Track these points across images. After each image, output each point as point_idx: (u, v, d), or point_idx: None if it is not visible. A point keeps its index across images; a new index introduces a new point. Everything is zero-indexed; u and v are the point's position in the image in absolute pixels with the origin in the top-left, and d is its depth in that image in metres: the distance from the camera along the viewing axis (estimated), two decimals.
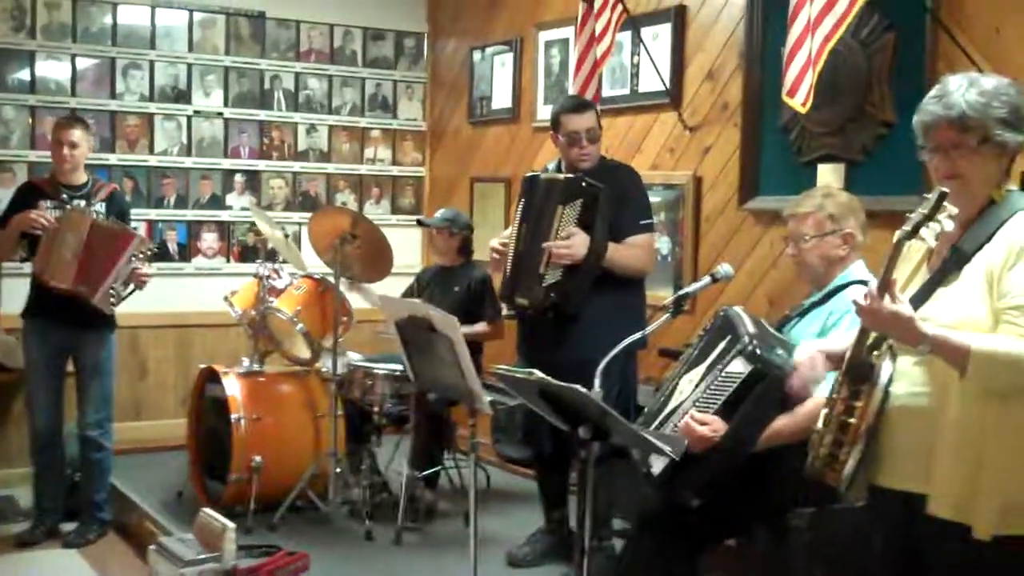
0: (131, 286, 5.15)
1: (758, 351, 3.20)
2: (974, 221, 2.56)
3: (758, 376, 3.19)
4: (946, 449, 2.48)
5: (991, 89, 2.53)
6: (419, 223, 6.12)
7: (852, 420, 2.54)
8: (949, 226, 2.41)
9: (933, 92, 2.59)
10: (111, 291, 5.07)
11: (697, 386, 3.36)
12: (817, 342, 2.97)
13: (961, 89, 2.53)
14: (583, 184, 4.36)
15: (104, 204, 5.26)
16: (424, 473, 5.22)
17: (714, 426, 3.23)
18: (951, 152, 2.54)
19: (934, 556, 2.56)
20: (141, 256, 5.14)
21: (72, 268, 5.01)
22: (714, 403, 3.28)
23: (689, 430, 3.24)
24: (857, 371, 2.57)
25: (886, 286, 2.43)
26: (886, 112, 4.41)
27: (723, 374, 3.28)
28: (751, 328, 3.29)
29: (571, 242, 4.31)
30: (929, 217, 2.41)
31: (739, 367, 3.24)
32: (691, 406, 3.32)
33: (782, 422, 3.26)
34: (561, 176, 4.47)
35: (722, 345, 3.34)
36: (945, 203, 2.41)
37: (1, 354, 5.75)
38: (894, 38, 4.39)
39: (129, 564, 5.09)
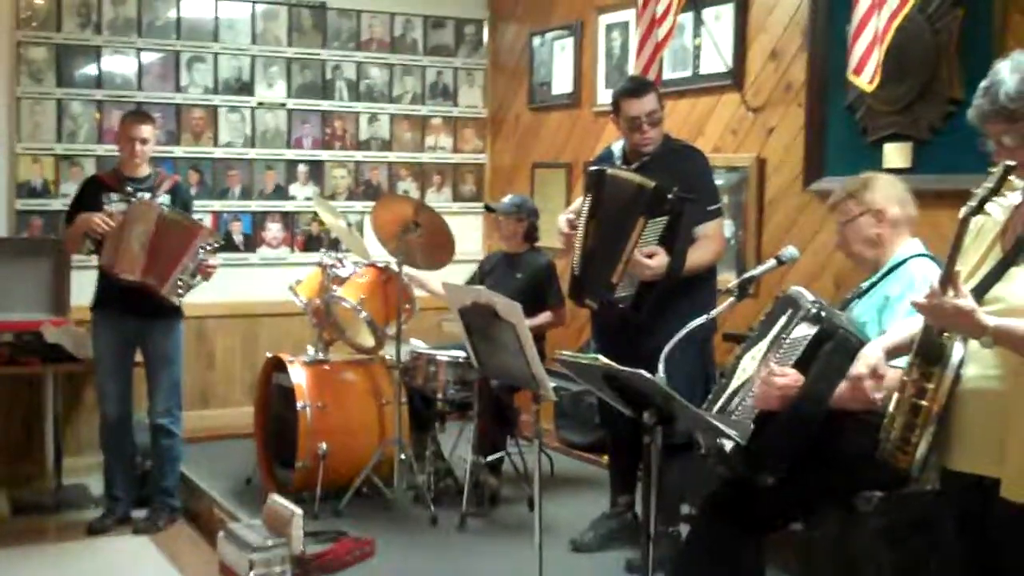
0: (198, 277, 5.21)
1: (823, 313, 3.24)
2: None
3: (825, 336, 3.21)
4: (1019, 432, 2.43)
5: None
6: (487, 208, 6.10)
7: (924, 402, 2.51)
8: (1017, 199, 2.36)
9: (983, 82, 2.53)
10: (179, 282, 5.13)
11: (762, 361, 3.35)
12: (881, 340, 2.91)
13: (1004, 78, 2.46)
14: (669, 196, 4.19)
15: (168, 196, 5.32)
16: (488, 459, 5.22)
17: (793, 378, 3.22)
18: (1005, 142, 2.48)
19: (1007, 540, 2.51)
20: (208, 248, 5.20)
21: (141, 260, 5.08)
22: (785, 366, 3.27)
23: (768, 383, 3.23)
24: (928, 353, 2.53)
25: (949, 280, 2.39)
26: (954, 89, 4.32)
27: (789, 340, 3.28)
28: (812, 297, 3.32)
29: (652, 263, 4.20)
30: (995, 191, 2.37)
31: (804, 330, 3.26)
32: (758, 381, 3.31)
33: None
34: (650, 184, 4.23)
35: (783, 319, 3.36)
36: (1012, 177, 2.35)
37: (72, 345, 5.84)
38: (962, 13, 4.30)
39: (199, 550, 5.16)
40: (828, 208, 3.66)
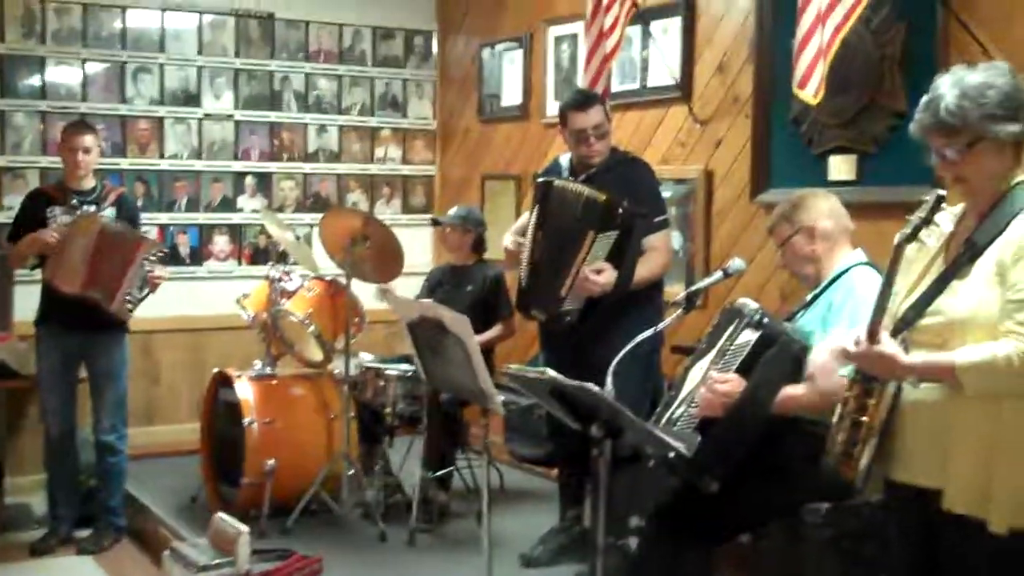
0: (146, 290, 5.14)
1: (765, 319, 3.32)
2: (988, 213, 2.53)
3: (767, 341, 3.29)
4: (960, 443, 2.45)
5: (975, 85, 2.48)
6: (433, 221, 6.09)
7: (864, 417, 2.55)
8: (948, 227, 2.41)
9: (925, 97, 2.56)
10: (127, 297, 5.06)
11: (707, 369, 3.40)
12: (826, 343, 2.95)
13: (944, 92, 2.49)
14: (620, 211, 4.20)
15: (114, 209, 5.25)
16: (437, 474, 5.19)
17: (734, 383, 3.27)
18: (947, 156, 2.51)
19: (950, 551, 2.53)
20: (153, 259, 5.13)
21: (81, 273, 5.00)
22: (728, 371, 3.34)
23: (710, 389, 3.28)
24: None
25: (872, 334, 2.46)
26: (898, 102, 4.36)
27: (733, 346, 3.35)
28: (755, 305, 3.40)
29: (600, 279, 4.20)
30: (927, 220, 2.42)
31: (748, 336, 3.34)
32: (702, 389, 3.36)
33: (799, 389, 3.27)
34: (601, 197, 4.23)
35: (730, 329, 3.43)
36: (942, 205, 2.40)
37: (15, 361, 5.74)
38: (905, 27, 4.34)
39: (144, 570, 5.08)
40: (767, 232, 3.74)
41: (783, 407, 3.27)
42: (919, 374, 2.46)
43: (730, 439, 3.27)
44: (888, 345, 2.46)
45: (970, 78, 2.51)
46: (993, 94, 2.47)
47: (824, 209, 3.54)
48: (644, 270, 4.35)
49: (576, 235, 4.27)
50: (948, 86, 2.51)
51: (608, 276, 4.21)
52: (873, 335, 2.46)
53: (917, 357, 2.46)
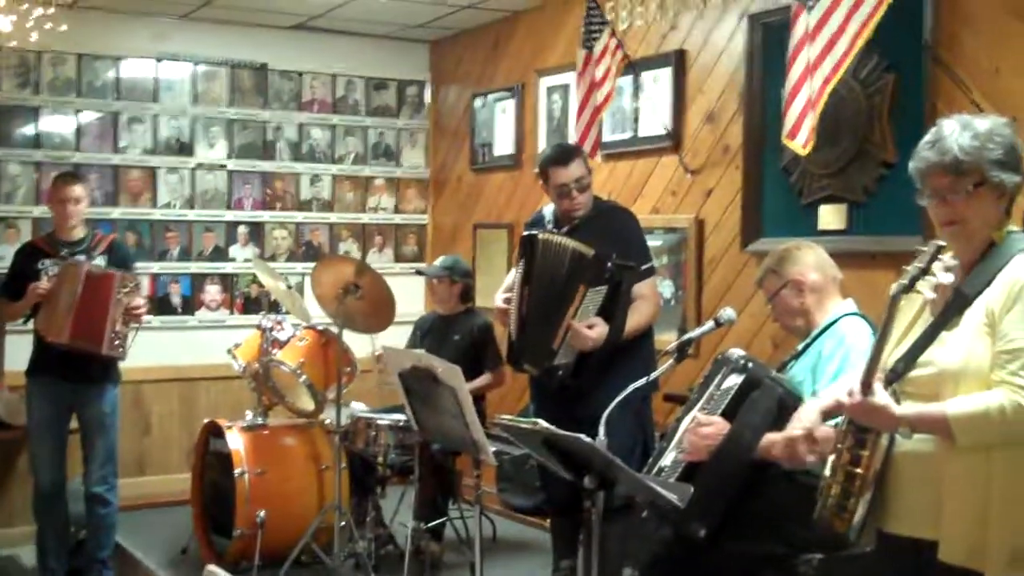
0: (130, 324, 5.08)
1: (750, 364, 3.35)
2: (976, 263, 2.55)
3: (752, 383, 3.30)
4: (954, 495, 2.45)
5: (985, 131, 2.52)
6: (418, 272, 6.09)
7: (859, 470, 2.54)
8: (947, 279, 2.41)
9: (927, 137, 2.58)
10: (114, 336, 5.02)
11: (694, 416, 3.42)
12: (818, 401, 2.93)
13: (954, 133, 2.52)
14: (609, 265, 4.21)
15: (105, 257, 5.24)
16: (429, 524, 5.17)
17: (718, 426, 3.28)
18: (948, 197, 2.53)
19: None
20: (126, 290, 5.06)
21: (68, 323, 4.97)
22: (713, 414, 3.35)
23: (693, 433, 3.29)
24: None
25: (866, 385, 2.47)
26: (887, 152, 4.39)
27: (719, 391, 3.37)
28: (741, 352, 3.43)
29: (592, 334, 4.20)
30: (925, 271, 2.42)
31: (733, 380, 3.36)
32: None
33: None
34: (591, 253, 4.23)
35: (717, 378, 3.45)
36: (940, 256, 2.41)
37: (5, 412, 5.72)
38: (894, 78, 4.38)
39: None
40: (756, 285, 3.76)
41: (771, 456, 3.25)
42: (911, 425, 2.46)
43: (714, 482, 3.26)
44: (881, 396, 2.47)
45: (979, 123, 2.54)
46: (1000, 141, 2.51)
47: (811, 262, 3.56)
48: (634, 320, 4.35)
49: (565, 289, 4.27)
50: (959, 128, 2.53)
51: (600, 330, 4.21)
52: (867, 386, 2.46)
53: (909, 408, 2.47)
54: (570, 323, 4.22)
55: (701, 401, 3.44)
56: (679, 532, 3.39)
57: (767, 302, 3.67)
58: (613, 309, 4.24)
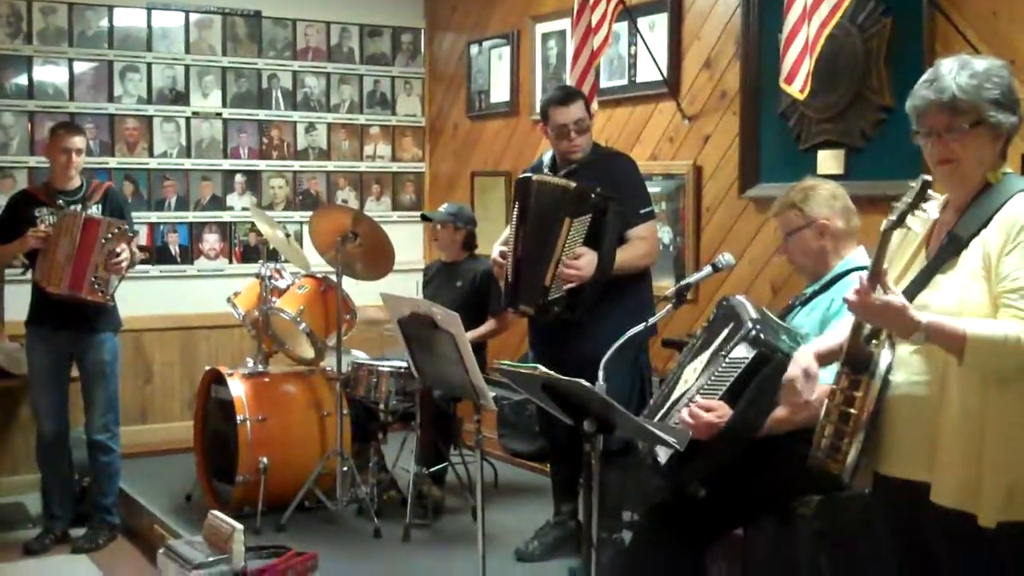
0: (112, 272, 5.08)
1: (762, 335, 3.20)
2: (969, 206, 2.55)
3: (762, 360, 3.18)
4: (947, 437, 2.47)
5: (983, 71, 2.52)
6: (423, 217, 6.09)
7: (852, 410, 2.53)
8: (935, 213, 2.41)
9: (925, 76, 2.58)
10: (94, 280, 5.02)
11: (701, 374, 3.35)
12: (813, 345, 2.91)
13: (952, 72, 2.52)
14: (592, 196, 4.25)
15: (100, 205, 5.25)
16: (431, 469, 5.22)
17: (719, 412, 3.22)
18: (944, 136, 2.53)
19: (939, 544, 2.55)
20: (111, 237, 5.06)
21: (67, 272, 4.99)
22: (719, 389, 3.27)
23: (694, 416, 3.23)
24: (856, 361, 2.56)
25: (876, 277, 2.43)
26: (884, 97, 4.39)
27: (727, 360, 3.27)
28: (754, 314, 3.28)
29: (580, 263, 4.24)
30: (914, 206, 2.42)
31: (743, 352, 3.23)
32: (696, 394, 3.31)
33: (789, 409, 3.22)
34: (572, 185, 4.30)
35: (725, 332, 3.33)
36: (929, 191, 2.41)
37: (6, 361, 5.75)
38: (891, 22, 4.37)
39: (139, 568, 5.10)
40: (772, 216, 3.63)
41: (776, 427, 3.23)
42: (929, 333, 2.40)
43: (716, 459, 3.24)
44: (897, 296, 2.42)
45: (977, 63, 2.54)
46: (998, 82, 2.51)
47: (838, 207, 3.45)
48: (627, 255, 4.38)
49: (553, 225, 4.31)
50: (957, 67, 2.52)
51: (588, 258, 4.25)
52: (876, 279, 2.42)
53: (926, 316, 2.40)
54: (559, 257, 4.26)
55: (707, 355, 3.35)
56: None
57: (784, 237, 3.52)
58: (600, 239, 4.27)
